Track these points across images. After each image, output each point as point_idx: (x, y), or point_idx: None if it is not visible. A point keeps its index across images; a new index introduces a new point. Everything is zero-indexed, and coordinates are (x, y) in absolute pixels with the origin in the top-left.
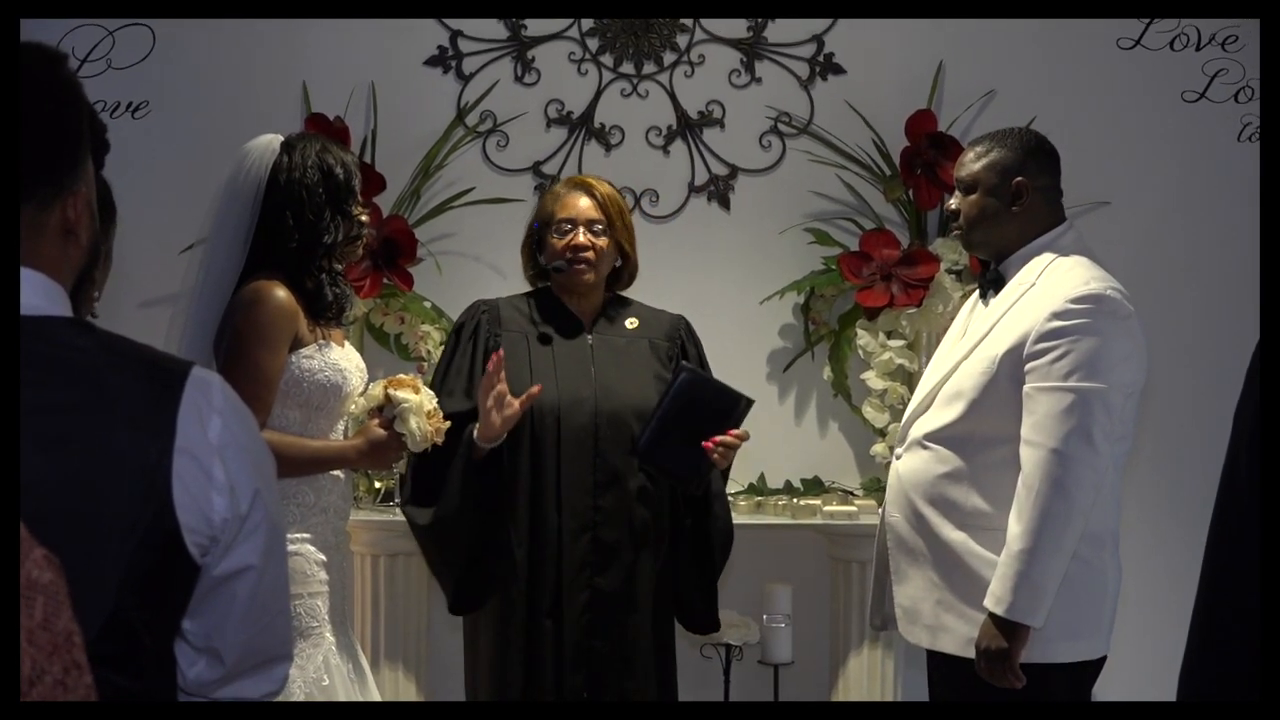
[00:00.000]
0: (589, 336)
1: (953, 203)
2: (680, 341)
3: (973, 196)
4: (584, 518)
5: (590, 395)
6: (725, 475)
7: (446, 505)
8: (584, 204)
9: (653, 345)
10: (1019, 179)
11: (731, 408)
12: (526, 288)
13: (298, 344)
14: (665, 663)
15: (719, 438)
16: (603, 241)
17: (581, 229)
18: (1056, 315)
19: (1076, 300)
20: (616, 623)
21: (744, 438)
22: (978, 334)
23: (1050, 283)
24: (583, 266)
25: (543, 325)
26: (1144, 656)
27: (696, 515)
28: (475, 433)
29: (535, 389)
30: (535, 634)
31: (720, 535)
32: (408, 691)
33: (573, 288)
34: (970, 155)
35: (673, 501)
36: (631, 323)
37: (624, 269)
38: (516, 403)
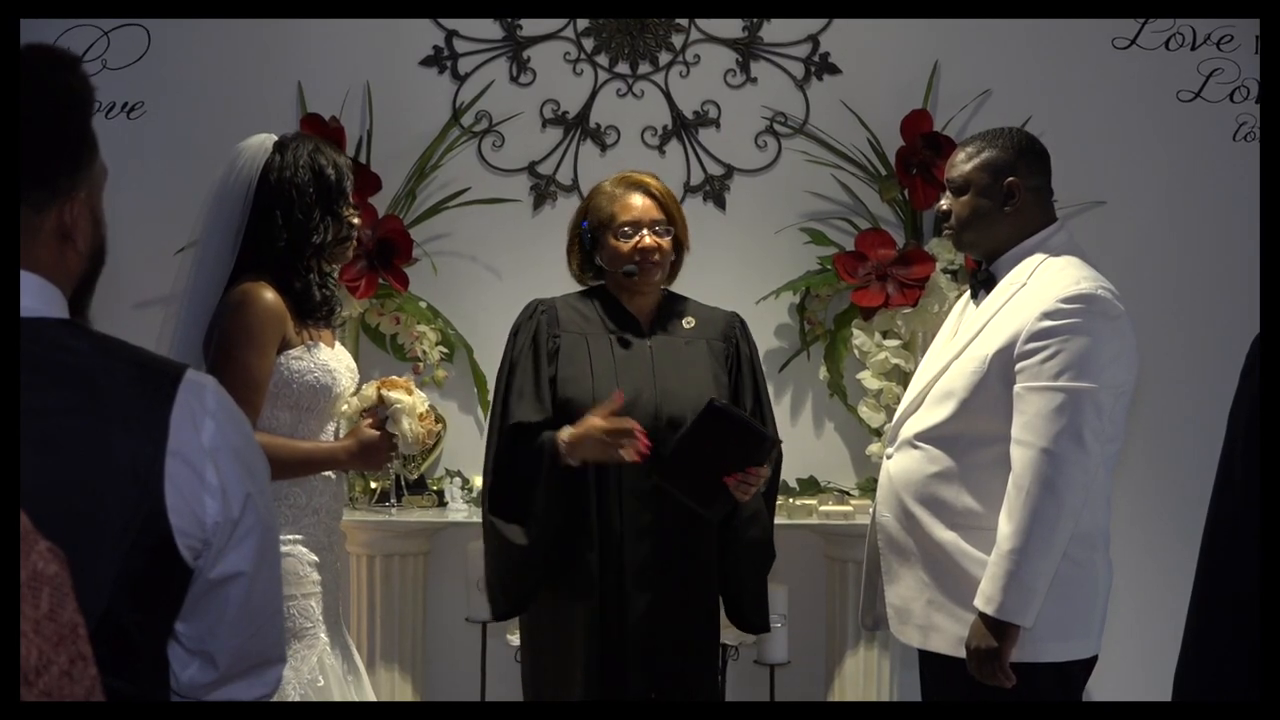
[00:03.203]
0: (649, 339)
1: (944, 203)
2: (735, 341)
3: (965, 197)
4: (645, 521)
5: (651, 398)
6: (772, 494)
7: (542, 526)
8: (646, 204)
9: (710, 346)
10: (1011, 179)
11: (756, 446)
12: (523, 286)
13: (285, 345)
14: (713, 662)
15: (739, 475)
16: (666, 241)
17: (646, 231)
18: (1047, 315)
19: (1067, 300)
20: (678, 625)
21: (766, 476)
22: (968, 334)
23: (1041, 282)
24: (653, 269)
25: (610, 324)
26: (1136, 656)
27: (726, 536)
28: (566, 449)
29: (618, 399)
30: (601, 639)
31: (746, 557)
32: (404, 692)
33: (635, 288)
34: (961, 156)
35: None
36: (689, 322)
37: (677, 262)
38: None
